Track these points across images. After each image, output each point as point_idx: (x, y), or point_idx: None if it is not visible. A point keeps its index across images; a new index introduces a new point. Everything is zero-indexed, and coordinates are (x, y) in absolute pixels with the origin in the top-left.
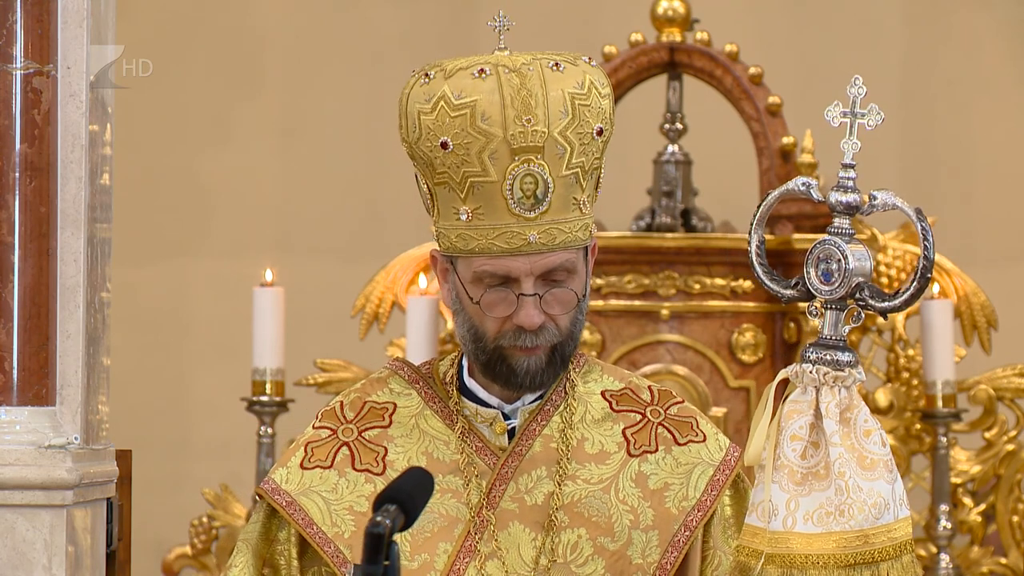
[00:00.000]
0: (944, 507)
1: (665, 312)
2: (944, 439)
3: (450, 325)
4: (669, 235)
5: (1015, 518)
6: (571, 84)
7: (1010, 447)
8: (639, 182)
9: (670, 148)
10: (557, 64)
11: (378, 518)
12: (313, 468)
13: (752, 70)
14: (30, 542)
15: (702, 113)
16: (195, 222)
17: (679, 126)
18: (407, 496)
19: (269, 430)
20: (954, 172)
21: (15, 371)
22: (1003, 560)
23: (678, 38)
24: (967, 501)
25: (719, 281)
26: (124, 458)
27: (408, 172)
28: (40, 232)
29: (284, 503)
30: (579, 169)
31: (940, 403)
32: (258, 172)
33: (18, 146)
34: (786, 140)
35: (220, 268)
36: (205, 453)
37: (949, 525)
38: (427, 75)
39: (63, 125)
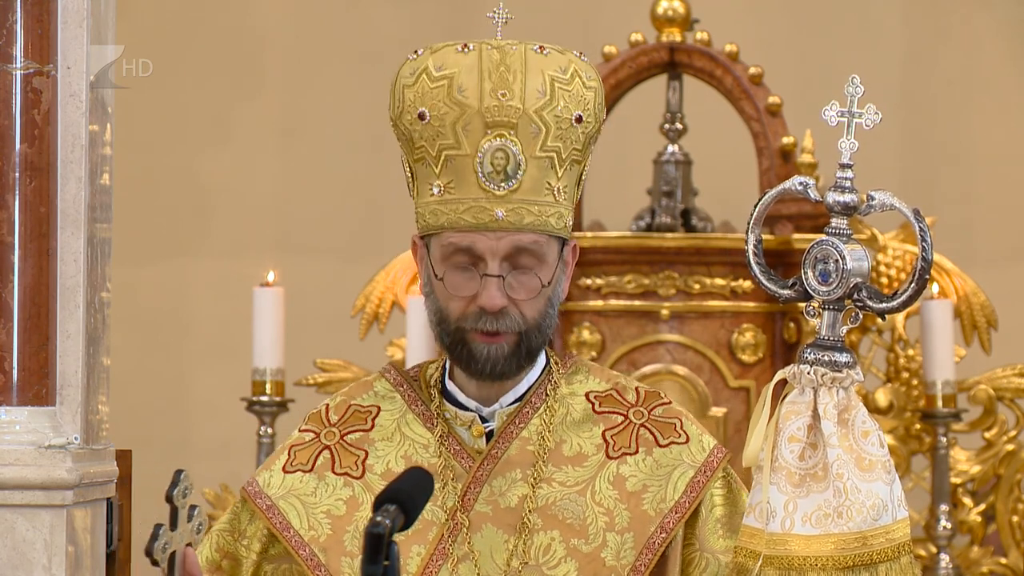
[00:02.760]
0: (944, 507)
1: (665, 312)
2: (944, 439)
3: None
4: (669, 235)
5: (1015, 518)
6: (553, 67)
7: (1010, 447)
8: (639, 182)
9: (670, 148)
10: (542, 48)
11: (378, 518)
12: (295, 472)
13: (752, 70)
14: (30, 542)
15: (702, 113)
16: (195, 222)
17: (679, 126)
18: (407, 496)
19: (269, 430)
20: (954, 172)
21: (15, 371)
22: (1003, 560)
23: (678, 38)
24: (967, 501)
25: (719, 281)
26: (124, 458)
27: None
28: (40, 232)
29: (264, 507)
30: (555, 154)
31: (940, 403)
32: (258, 172)
33: (18, 146)
34: (786, 140)
35: (220, 268)
36: (205, 453)
37: (949, 525)
38: (416, 52)
39: (63, 125)
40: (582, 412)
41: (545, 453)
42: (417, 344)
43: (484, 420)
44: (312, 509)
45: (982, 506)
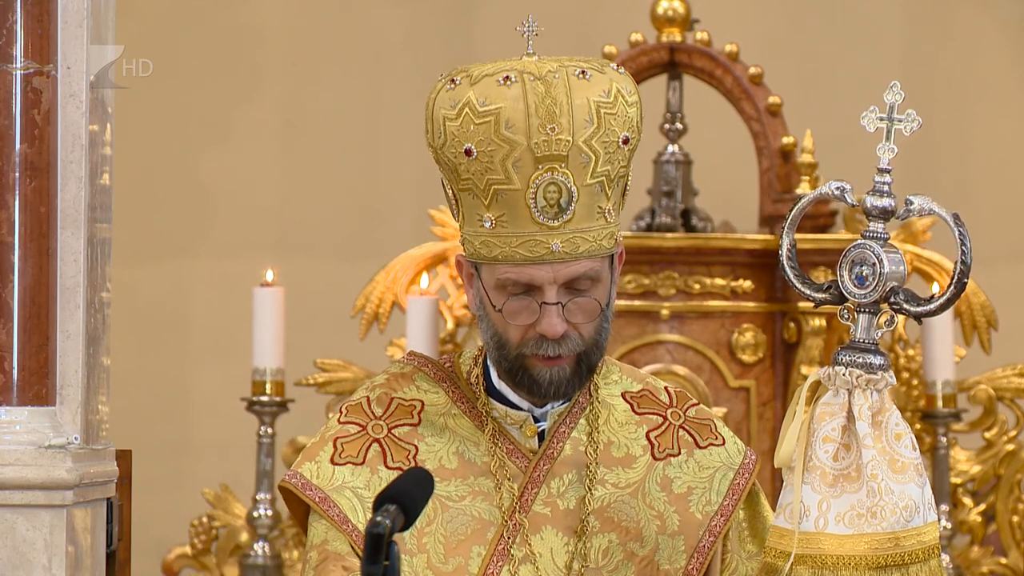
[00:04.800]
0: (944, 507)
1: (665, 312)
2: (944, 439)
3: (450, 325)
4: (669, 235)
5: (1015, 518)
6: (597, 92)
7: (1010, 447)
8: (639, 182)
9: (670, 148)
10: (584, 72)
11: (378, 518)
12: (344, 464)
13: (752, 70)
14: (30, 542)
15: (702, 113)
16: (195, 222)
17: (679, 126)
18: (407, 496)
19: (269, 430)
20: (954, 172)
21: (15, 371)
22: (1003, 560)
23: (678, 38)
24: (967, 501)
25: (719, 281)
26: (124, 458)
27: (407, 172)
28: (40, 232)
29: (317, 499)
30: (604, 178)
31: (940, 403)
32: (258, 172)
33: (18, 146)
34: (786, 140)
35: (220, 268)
36: (205, 453)
37: (949, 525)
38: (453, 80)
39: (63, 125)
40: (624, 413)
41: (596, 454)
42: (417, 344)
43: (536, 420)
44: (368, 503)
45: (982, 506)
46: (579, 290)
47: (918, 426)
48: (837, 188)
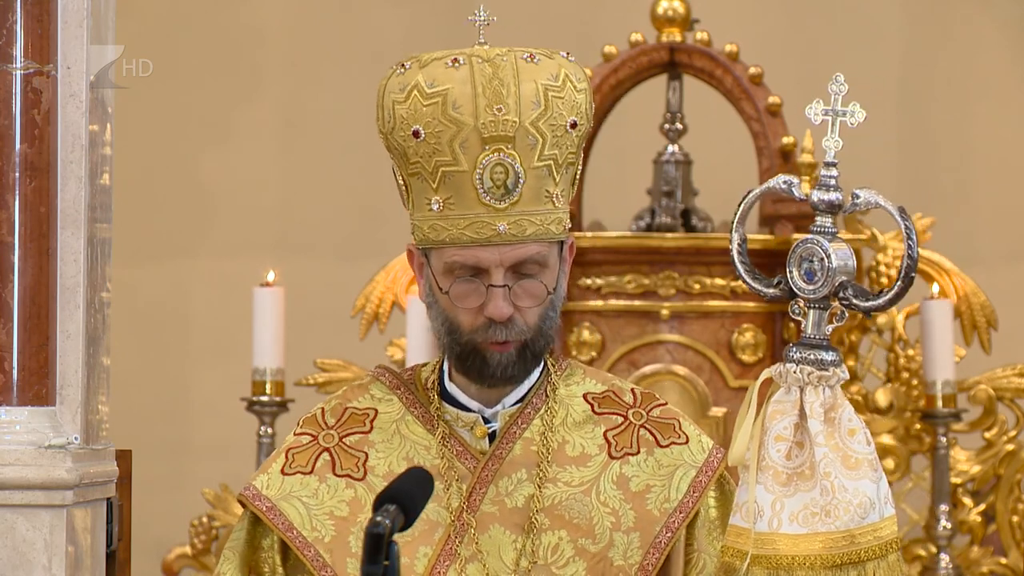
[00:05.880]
0: (944, 507)
1: (665, 312)
2: (944, 439)
3: None
4: (669, 235)
5: (1015, 518)
6: (545, 76)
7: (1010, 447)
8: (639, 182)
9: (670, 148)
10: (532, 56)
11: (378, 518)
12: (294, 474)
13: (752, 70)
14: (30, 542)
15: (702, 113)
16: (195, 222)
17: (679, 126)
18: (407, 496)
19: (269, 430)
20: (954, 172)
21: (15, 371)
22: (1003, 560)
23: (678, 38)
24: (967, 501)
25: (719, 281)
26: (124, 458)
27: None
28: (40, 232)
29: (265, 508)
30: (552, 161)
31: (940, 403)
32: (258, 172)
33: (18, 146)
34: (786, 140)
35: (220, 268)
36: (205, 453)
37: (949, 525)
38: (403, 66)
39: (63, 125)
40: (582, 413)
41: (549, 453)
42: (417, 344)
43: (487, 421)
44: (314, 511)
45: (982, 506)
46: (526, 274)
47: (918, 426)
48: (784, 182)
